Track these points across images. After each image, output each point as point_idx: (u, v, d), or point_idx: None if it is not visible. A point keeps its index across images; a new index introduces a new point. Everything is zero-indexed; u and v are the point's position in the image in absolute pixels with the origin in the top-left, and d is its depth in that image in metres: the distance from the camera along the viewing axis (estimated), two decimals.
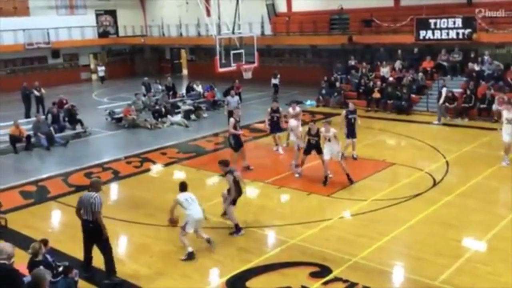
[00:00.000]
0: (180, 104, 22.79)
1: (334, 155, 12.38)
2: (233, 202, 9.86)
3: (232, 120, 13.75)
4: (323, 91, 23.40)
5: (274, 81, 25.76)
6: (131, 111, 20.59)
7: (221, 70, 20.82)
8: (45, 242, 7.46)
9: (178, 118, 20.85)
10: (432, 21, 22.11)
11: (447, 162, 13.84)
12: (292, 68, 30.72)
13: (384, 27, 24.61)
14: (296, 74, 29.32)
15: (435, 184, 12.20)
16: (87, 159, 15.76)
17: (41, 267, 6.24)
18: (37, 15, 33.19)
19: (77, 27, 34.95)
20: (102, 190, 8.49)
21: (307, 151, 12.90)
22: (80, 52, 36.54)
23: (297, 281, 7.97)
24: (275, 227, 10.24)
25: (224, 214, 10.34)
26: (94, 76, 37.60)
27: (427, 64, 22.35)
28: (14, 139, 17.03)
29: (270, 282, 8.02)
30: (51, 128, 18.16)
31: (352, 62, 24.92)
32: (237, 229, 9.82)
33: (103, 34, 37.86)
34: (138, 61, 39.68)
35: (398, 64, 23.15)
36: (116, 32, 38.60)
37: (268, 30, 30.56)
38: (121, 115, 20.88)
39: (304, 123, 16.09)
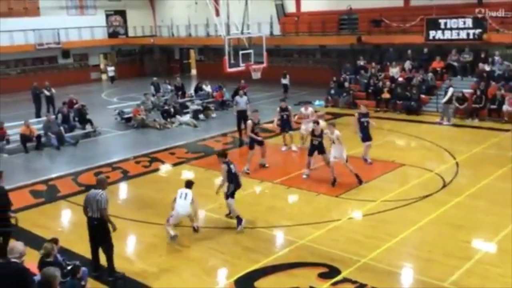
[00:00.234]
0: (189, 104, 22.86)
1: (339, 158, 12.26)
2: (232, 195, 10.06)
3: (249, 122, 13.85)
4: (332, 92, 23.35)
5: (284, 81, 25.80)
6: (140, 111, 20.69)
7: (230, 70, 20.84)
8: (55, 241, 7.50)
9: (187, 118, 20.91)
10: (442, 21, 22.01)
11: (457, 163, 13.76)
12: (301, 68, 30.70)
13: (393, 27, 24.52)
14: (304, 74, 29.28)
15: (444, 185, 12.12)
16: (97, 158, 15.86)
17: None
18: (47, 15, 33.47)
19: (87, 27, 35.23)
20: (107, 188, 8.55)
21: (310, 153, 12.87)
22: (90, 52, 36.78)
23: (305, 281, 7.96)
24: (284, 227, 10.24)
25: (229, 214, 10.40)
26: (103, 76, 37.84)
27: (437, 64, 22.24)
28: (25, 138, 17.18)
29: (279, 283, 8.02)
30: (61, 128, 18.28)
31: (361, 62, 24.84)
32: (238, 220, 9.97)
33: (113, 35, 38.11)
34: (147, 61, 39.86)
35: (407, 65, 23.06)
36: (126, 33, 38.84)
37: (277, 30, 30.56)
38: (131, 115, 20.99)
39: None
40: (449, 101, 18.88)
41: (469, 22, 21.24)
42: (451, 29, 21.78)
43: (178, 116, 20.90)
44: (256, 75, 21.84)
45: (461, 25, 21.49)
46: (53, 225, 10.89)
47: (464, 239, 9.28)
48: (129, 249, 9.63)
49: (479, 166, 13.50)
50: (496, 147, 15.34)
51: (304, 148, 14.62)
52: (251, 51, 21.74)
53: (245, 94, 18.61)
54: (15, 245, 6.37)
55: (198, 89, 25.56)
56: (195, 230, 9.87)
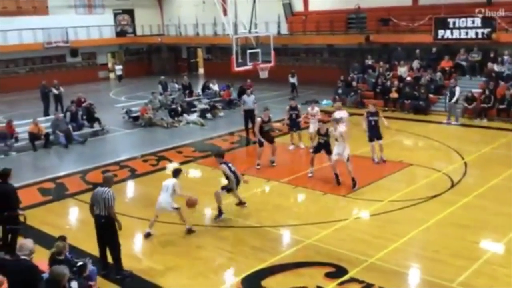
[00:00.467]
0: (196, 103, 22.90)
1: (341, 156, 12.13)
2: (228, 191, 10.36)
3: (258, 120, 13.99)
4: (340, 91, 23.28)
5: (292, 80, 25.80)
6: (147, 110, 20.75)
7: (237, 69, 20.85)
8: (63, 238, 7.55)
9: (194, 117, 20.94)
10: (450, 20, 21.86)
11: (465, 163, 13.68)
12: (309, 67, 30.64)
13: (402, 26, 24.37)
14: (312, 73, 29.23)
15: (452, 185, 12.06)
16: (105, 157, 15.94)
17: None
18: (56, 14, 33.65)
19: (95, 26, 35.38)
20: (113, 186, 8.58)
21: (315, 150, 12.91)
22: (98, 51, 36.94)
23: (312, 281, 7.95)
24: (291, 226, 10.24)
25: (240, 203, 10.75)
26: (111, 75, 37.97)
27: (446, 63, 22.11)
28: (33, 136, 17.30)
29: (286, 282, 8.01)
30: (69, 126, 18.39)
31: (369, 62, 24.77)
32: (219, 213, 10.38)
33: (120, 33, 38.24)
34: (155, 60, 39.95)
35: (416, 64, 22.94)
36: (134, 32, 38.96)
37: (284, 30, 30.49)
38: (138, 113, 21.05)
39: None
40: (456, 101, 18.79)
41: (477, 21, 21.09)
42: (459, 28, 21.63)
43: (185, 115, 20.95)
44: (264, 74, 21.84)
45: (469, 24, 21.33)
46: (61, 222, 10.95)
47: (472, 240, 9.23)
48: (137, 247, 9.67)
49: (488, 166, 13.41)
50: (505, 147, 15.22)
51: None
52: (258, 50, 21.73)
53: (251, 93, 18.66)
54: (25, 242, 6.43)
55: (205, 88, 25.59)
56: (147, 235, 9.77)
